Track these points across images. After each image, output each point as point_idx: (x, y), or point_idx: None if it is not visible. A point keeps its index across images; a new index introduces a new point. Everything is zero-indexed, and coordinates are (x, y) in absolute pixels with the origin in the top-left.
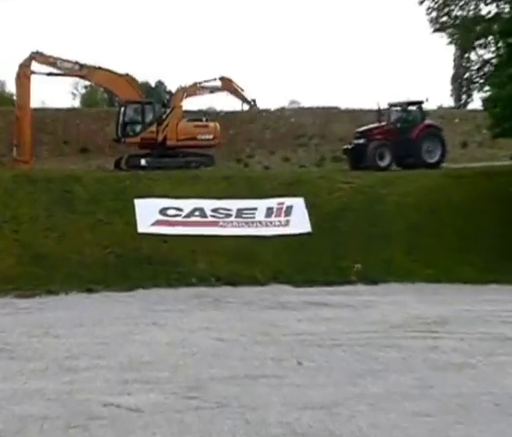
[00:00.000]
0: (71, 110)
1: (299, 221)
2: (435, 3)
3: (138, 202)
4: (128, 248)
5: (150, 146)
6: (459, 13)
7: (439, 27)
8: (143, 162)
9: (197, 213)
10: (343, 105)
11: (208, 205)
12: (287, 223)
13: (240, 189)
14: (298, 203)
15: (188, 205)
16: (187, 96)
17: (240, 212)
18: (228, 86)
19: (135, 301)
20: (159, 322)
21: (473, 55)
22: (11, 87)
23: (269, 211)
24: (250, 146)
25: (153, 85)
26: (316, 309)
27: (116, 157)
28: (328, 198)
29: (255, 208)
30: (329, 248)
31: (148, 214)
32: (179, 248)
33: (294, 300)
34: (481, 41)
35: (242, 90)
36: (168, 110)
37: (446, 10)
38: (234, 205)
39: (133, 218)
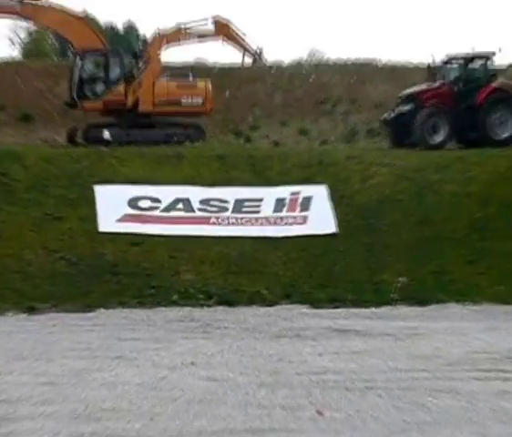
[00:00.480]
0: (8, 64)
1: (320, 218)
2: None
3: (99, 190)
4: (84, 254)
5: (117, 112)
6: None
7: None
8: (106, 135)
9: (180, 205)
10: (382, 58)
11: (195, 194)
12: (304, 220)
13: (240, 173)
14: (319, 193)
15: (168, 194)
16: (167, 45)
17: (239, 205)
18: (224, 30)
19: (94, 326)
20: (127, 355)
21: None
22: None
23: (279, 204)
24: (253, 114)
25: (121, 29)
26: (343, 339)
27: (69, 128)
28: (360, 187)
29: (260, 200)
30: (361, 255)
31: (112, 206)
32: (156, 254)
33: (313, 326)
34: None
35: (244, 37)
36: (142, 64)
37: None
38: (232, 194)
39: (92, 213)
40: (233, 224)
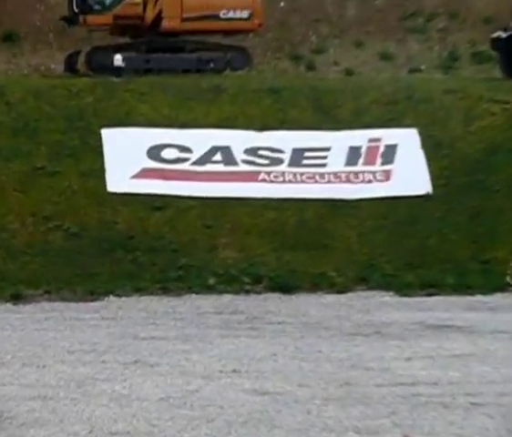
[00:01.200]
0: None
1: (409, 173)
2: None
3: (107, 136)
4: (89, 222)
5: (132, 30)
6: None
7: None
8: (118, 61)
9: (218, 156)
10: None
11: (239, 141)
12: (387, 176)
13: (300, 113)
14: (407, 139)
15: (201, 141)
16: None
17: (298, 155)
18: None
19: (101, 320)
20: (147, 360)
21: None
22: None
23: (353, 154)
24: (317, 31)
25: None
26: (440, 339)
27: (68, 52)
28: (463, 132)
29: (327, 149)
30: (464, 224)
31: (126, 158)
32: (185, 222)
33: (399, 321)
34: None
35: None
36: None
37: None
38: (288, 142)
39: (99, 166)
40: (290, 182)
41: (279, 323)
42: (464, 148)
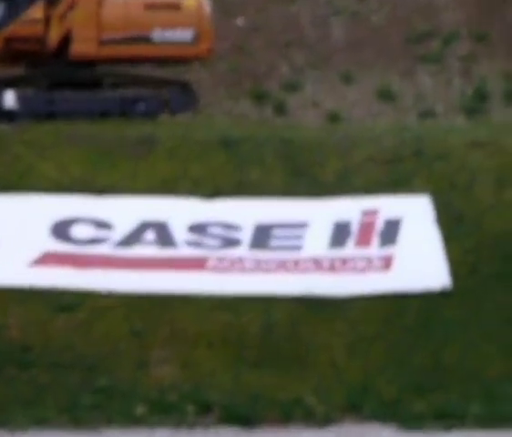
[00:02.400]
0: None
1: (417, 259)
2: None
3: None
4: None
5: (29, 58)
6: None
7: None
8: (10, 101)
9: (150, 235)
10: None
11: (179, 213)
12: (387, 264)
13: (265, 174)
14: (416, 211)
15: (126, 213)
16: None
17: (262, 234)
18: None
19: None
20: None
21: None
22: None
23: (339, 232)
24: (289, 59)
25: None
26: None
27: None
28: (496, 201)
29: (303, 225)
30: (497, 330)
31: (22, 237)
32: (104, 328)
33: None
34: None
35: None
36: None
37: None
38: (248, 214)
39: None
40: (252, 271)
41: None
42: (495, 225)
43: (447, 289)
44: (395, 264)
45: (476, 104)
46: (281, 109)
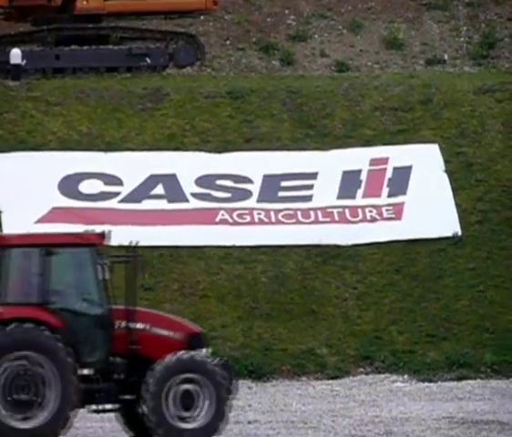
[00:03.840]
0: None
1: (428, 208)
2: None
3: (2, 163)
4: None
5: (35, 14)
6: None
7: None
8: (16, 57)
9: (159, 189)
10: None
11: (188, 167)
12: (397, 212)
13: (274, 126)
14: (425, 160)
15: (135, 168)
16: None
17: (272, 185)
18: None
19: None
20: None
21: None
22: None
23: (349, 182)
24: (296, 9)
25: None
26: None
27: None
28: (505, 147)
29: (313, 175)
30: (509, 277)
31: (30, 193)
32: (116, 284)
33: (418, 416)
34: None
35: None
36: None
37: None
38: (257, 166)
39: None
40: (262, 223)
41: (248, 423)
42: (505, 171)
43: (458, 236)
44: (406, 213)
45: (484, 50)
46: (288, 60)
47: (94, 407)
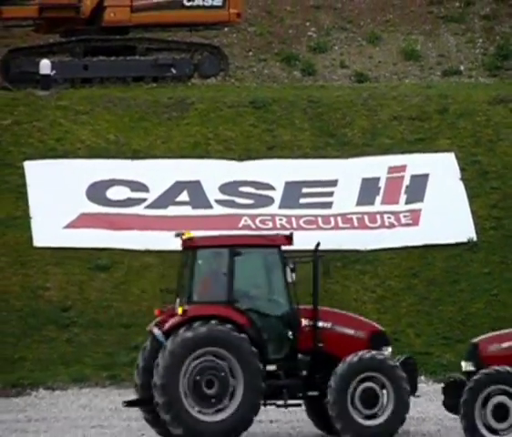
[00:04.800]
0: None
1: (444, 214)
2: None
3: (33, 170)
4: (9, 288)
5: (64, 26)
6: None
7: None
8: (46, 68)
9: (184, 196)
10: None
11: (212, 174)
12: (414, 218)
13: (295, 135)
14: (442, 168)
15: (161, 175)
16: None
17: (293, 192)
18: None
19: (29, 422)
20: None
21: None
22: None
23: (368, 189)
24: (317, 22)
25: None
26: None
27: None
28: None
29: (333, 183)
30: None
31: (59, 200)
32: (141, 286)
33: (436, 416)
34: None
35: None
36: None
37: None
38: (279, 173)
39: (22, 212)
40: (283, 228)
41: (270, 422)
42: None
43: (473, 242)
44: (423, 219)
45: (499, 61)
46: (309, 71)
47: (278, 403)
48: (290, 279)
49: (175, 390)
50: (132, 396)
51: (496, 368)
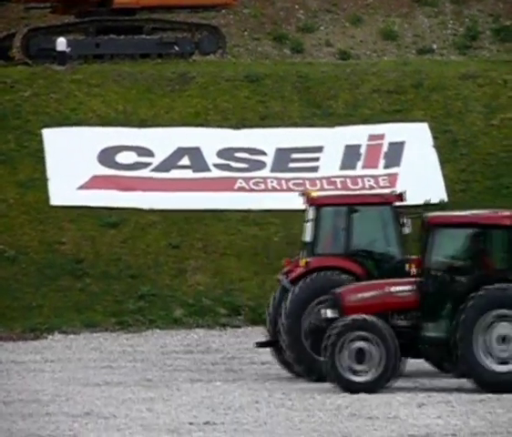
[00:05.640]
0: None
1: (418, 177)
2: None
3: (50, 137)
4: (28, 243)
5: (78, 7)
6: None
7: None
8: (62, 45)
9: (185, 160)
10: None
11: (210, 141)
12: (392, 181)
13: (285, 106)
14: (416, 136)
15: (164, 142)
16: None
17: (283, 157)
18: None
19: (45, 364)
20: (101, 411)
21: None
22: None
23: (350, 154)
24: (305, 5)
25: None
26: None
27: None
28: (486, 126)
29: (318, 149)
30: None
31: (73, 163)
32: (146, 242)
33: None
34: None
35: None
36: None
37: None
38: (270, 141)
39: (40, 174)
40: (274, 190)
41: (262, 364)
42: (485, 147)
43: (444, 202)
44: (399, 182)
45: (468, 41)
46: (298, 49)
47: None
48: (403, 232)
49: (297, 332)
50: (141, 341)
51: (354, 316)
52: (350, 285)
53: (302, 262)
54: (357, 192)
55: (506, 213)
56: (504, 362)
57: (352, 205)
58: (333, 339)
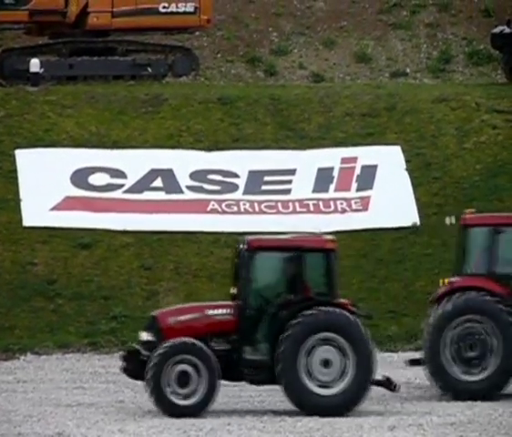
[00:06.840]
0: None
1: (391, 201)
2: None
3: (23, 157)
4: (1, 263)
5: (52, 29)
6: None
7: None
8: (35, 66)
9: (158, 182)
10: None
11: (183, 163)
12: (364, 205)
13: (258, 129)
14: (389, 159)
15: (137, 163)
16: None
17: (256, 180)
18: None
19: (18, 383)
20: (73, 432)
21: None
22: None
23: (323, 177)
24: (278, 27)
25: None
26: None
27: None
28: (459, 149)
29: (291, 171)
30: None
31: (46, 185)
32: (118, 263)
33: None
34: None
35: None
36: None
37: None
38: (243, 163)
39: (12, 195)
40: (247, 212)
41: (234, 385)
42: (458, 170)
43: (417, 226)
44: (372, 205)
45: (441, 65)
46: (271, 71)
47: None
48: None
49: (437, 353)
50: (113, 362)
51: (179, 339)
52: (169, 308)
53: (443, 282)
54: (330, 216)
55: (326, 237)
56: (325, 386)
57: (497, 225)
58: (155, 362)
